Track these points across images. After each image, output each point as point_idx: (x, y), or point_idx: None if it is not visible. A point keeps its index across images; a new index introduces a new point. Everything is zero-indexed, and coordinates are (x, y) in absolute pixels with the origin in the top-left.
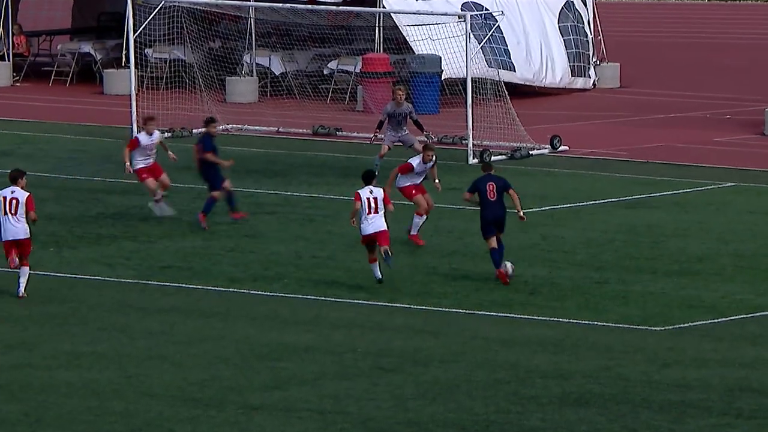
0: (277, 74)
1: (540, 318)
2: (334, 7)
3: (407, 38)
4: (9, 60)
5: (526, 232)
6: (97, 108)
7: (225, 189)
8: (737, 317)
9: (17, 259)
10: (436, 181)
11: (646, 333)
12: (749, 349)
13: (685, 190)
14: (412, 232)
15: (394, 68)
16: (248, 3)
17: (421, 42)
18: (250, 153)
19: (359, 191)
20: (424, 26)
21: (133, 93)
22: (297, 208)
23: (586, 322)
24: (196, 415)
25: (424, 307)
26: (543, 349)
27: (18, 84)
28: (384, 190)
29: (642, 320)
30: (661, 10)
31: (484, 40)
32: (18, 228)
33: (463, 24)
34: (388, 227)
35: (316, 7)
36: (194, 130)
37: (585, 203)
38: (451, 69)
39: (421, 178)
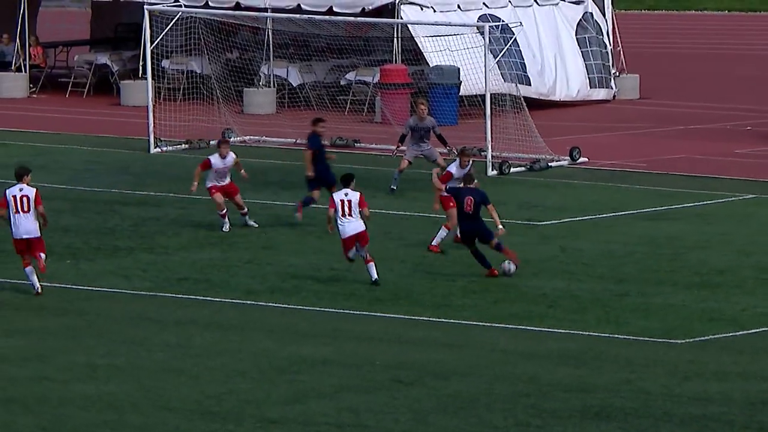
0: (294, 85)
1: (560, 331)
2: (352, 18)
3: (422, 49)
4: (26, 71)
5: (545, 244)
6: (114, 119)
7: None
8: (758, 330)
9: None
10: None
11: (667, 346)
12: None
13: (705, 202)
14: (433, 243)
15: (412, 79)
16: (266, 14)
17: (436, 53)
18: (268, 165)
19: (333, 195)
20: (440, 38)
21: (150, 104)
22: (315, 221)
23: (607, 335)
24: (213, 429)
25: (443, 320)
26: (563, 362)
27: (35, 95)
28: (361, 195)
29: (663, 333)
30: (681, 21)
31: (500, 54)
32: (31, 226)
33: (480, 36)
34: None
35: (334, 18)
36: (211, 142)
37: (605, 215)
38: (468, 82)
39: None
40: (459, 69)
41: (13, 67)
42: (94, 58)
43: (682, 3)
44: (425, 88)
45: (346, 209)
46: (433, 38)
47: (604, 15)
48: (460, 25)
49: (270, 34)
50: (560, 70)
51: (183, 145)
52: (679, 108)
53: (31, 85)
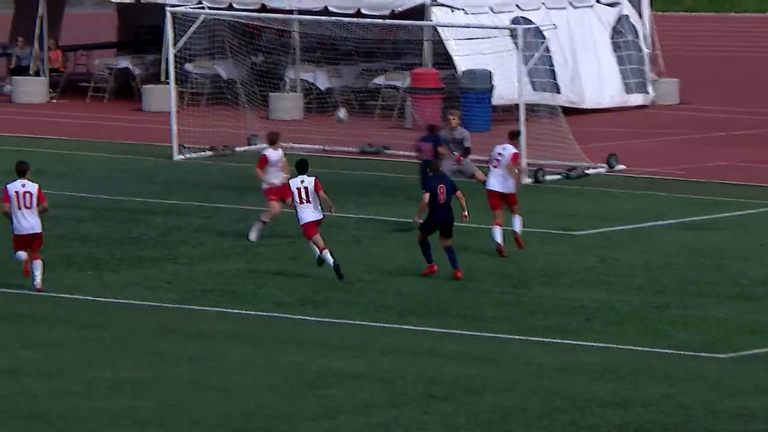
0: (322, 90)
1: (597, 344)
2: (380, 21)
3: (451, 53)
4: (45, 76)
5: (582, 254)
6: (136, 125)
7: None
8: None
9: (30, 259)
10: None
11: (708, 360)
12: None
13: (747, 211)
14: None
15: (443, 84)
16: (292, 16)
17: (466, 57)
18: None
19: (290, 181)
20: (470, 41)
21: (173, 110)
22: (343, 230)
23: (646, 348)
24: None
25: (476, 333)
26: (601, 376)
27: (54, 101)
28: (316, 179)
29: (703, 346)
30: (721, 23)
31: (531, 62)
32: (34, 222)
33: (512, 39)
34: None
35: (362, 20)
36: (237, 148)
37: (643, 224)
38: (500, 88)
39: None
40: (491, 73)
41: (31, 71)
42: (116, 62)
43: (722, 5)
44: (456, 93)
45: (303, 196)
46: (463, 41)
47: (641, 17)
48: (491, 28)
49: (297, 36)
50: (594, 76)
51: (207, 152)
52: (720, 113)
53: (51, 90)
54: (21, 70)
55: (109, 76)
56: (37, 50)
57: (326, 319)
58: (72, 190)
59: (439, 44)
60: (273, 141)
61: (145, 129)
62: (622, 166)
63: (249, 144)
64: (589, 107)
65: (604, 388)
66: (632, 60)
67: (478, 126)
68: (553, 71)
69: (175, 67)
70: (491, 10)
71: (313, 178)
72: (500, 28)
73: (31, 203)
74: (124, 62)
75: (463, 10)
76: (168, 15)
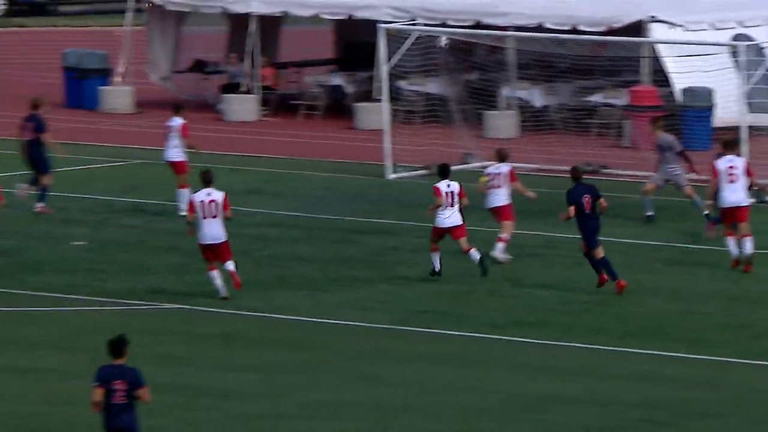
0: (538, 107)
1: None
2: (598, 37)
3: (666, 70)
4: (257, 93)
5: None
6: (349, 143)
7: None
8: None
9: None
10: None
11: None
12: None
13: None
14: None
15: (663, 102)
16: (509, 33)
17: (683, 75)
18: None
19: (439, 184)
20: (688, 58)
21: (387, 128)
22: (561, 251)
23: None
24: None
25: (697, 357)
26: None
27: (266, 118)
28: (460, 186)
29: None
30: None
31: (752, 80)
32: (218, 231)
33: (731, 57)
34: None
35: (579, 37)
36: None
37: None
38: (719, 108)
39: None
40: (712, 91)
41: (242, 89)
42: (328, 80)
43: None
44: (676, 111)
45: (449, 200)
46: (681, 58)
47: None
48: (710, 44)
49: (512, 53)
50: None
51: (421, 171)
52: None
53: (263, 108)
54: (233, 88)
55: (321, 93)
56: (248, 67)
57: (543, 342)
58: (284, 209)
59: (656, 61)
60: (503, 158)
61: (358, 147)
62: None
63: (463, 162)
64: None
65: None
66: None
67: (698, 145)
68: None
69: (388, 85)
70: (711, 26)
71: (458, 184)
72: (719, 45)
73: (216, 212)
74: (337, 79)
75: (682, 26)
76: (381, 32)
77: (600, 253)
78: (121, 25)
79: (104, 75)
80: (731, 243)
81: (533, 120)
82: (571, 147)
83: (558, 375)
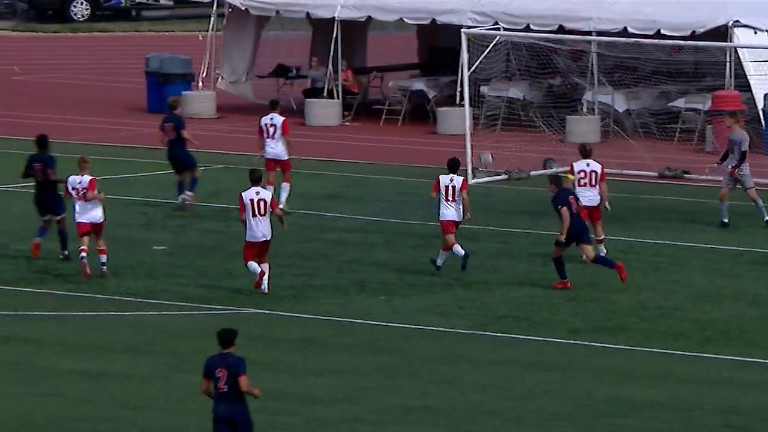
0: (620, 112)
1: None
2: (681, 42)
3: (747, 74)
4: (339, 98)
5: None
6: (430, 148)
7: None
8: None
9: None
10: None
11: None
12: None
13: None
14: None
15: (745, 106)
16: (592, 38)
17: (764, 79)
18: None
19: (440, 177)
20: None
21: (468, 133)
22: (641, 256)
23: None
24: None
25: None
26: None
27: (348, 123)
28: (464, 180)
29: None
30: None
31: None
32: (267, 229)
33: None
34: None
35: (661, 41)
36: (532, 172)
37: None
38: None
39: None
40: None
41: (324, 93)
42: (410, 84)
43: None
44: (757, 116)
45: (450, 194)
46: (763, 63)
47: None
48: None
49: (594, 58)
50: None
51: (502, 176)
52: None
53: (346, 113)
54: (315, 92)
55: (404, 98)
56: (330, 72)
57: (622, 347)
58: (364, 214)
59: (739, 66)
60: (587, 154)
61: (439, 152)
62: None
63: (545, 167)
64: None
65: None
66: None
67: None
68: None
69: (470, 89)
70: None
71: (462, 177)
72: None
73: (265, 211)
74: (419, 84)
75: (766, 31)
76: (464, 36)
77: (591, 252)
78: (205, 30)
79: (187, 80)
80: None
81: (615, 124)
82: (653, 152)
83: (637, 380)
